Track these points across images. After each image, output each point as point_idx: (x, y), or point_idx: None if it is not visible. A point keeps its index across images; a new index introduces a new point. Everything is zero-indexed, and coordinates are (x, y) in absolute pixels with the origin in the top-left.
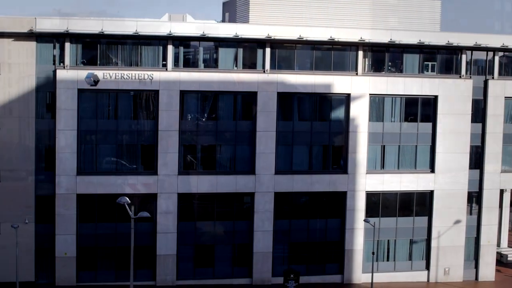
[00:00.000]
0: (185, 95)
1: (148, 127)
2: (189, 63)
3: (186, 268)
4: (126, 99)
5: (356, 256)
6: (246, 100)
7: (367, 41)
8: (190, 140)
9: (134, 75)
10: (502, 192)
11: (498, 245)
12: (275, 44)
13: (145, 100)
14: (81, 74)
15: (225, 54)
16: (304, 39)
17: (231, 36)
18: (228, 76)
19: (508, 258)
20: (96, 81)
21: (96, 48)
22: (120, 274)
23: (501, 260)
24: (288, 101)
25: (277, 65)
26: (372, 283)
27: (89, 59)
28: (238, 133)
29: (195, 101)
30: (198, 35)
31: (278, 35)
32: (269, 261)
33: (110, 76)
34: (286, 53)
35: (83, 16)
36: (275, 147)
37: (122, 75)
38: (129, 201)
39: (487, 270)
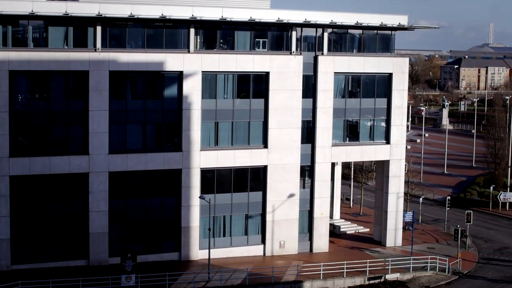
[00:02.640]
0: (15, 76)
1: None
2: (19, 42)
3: (20, 252)
4: None
5: (193, 233)
6: (78, 80)
7: (198, 18)
8: (21, 121)
9: None
10: (333, 165)
11: (331, 217)
12: (106, 22)
13: None
14: None
15: (56, 33)
16: (135, 16)
17: (60, 14)
18: (59, 55)
19: (341, 229)
20: None
21: None
22: None
23: (334, 231)
24: (121, 79)
25: (108, 44)
26: (209, 259)
27: None
28: (71, 113)
29: (26, 81)
30: (27, 13)
31: (109, 13)
32: (105, 242)
33: None
34: (118, 31)
35: None
36: (108, 126)
37: None
38: None
39: (321, 241)
